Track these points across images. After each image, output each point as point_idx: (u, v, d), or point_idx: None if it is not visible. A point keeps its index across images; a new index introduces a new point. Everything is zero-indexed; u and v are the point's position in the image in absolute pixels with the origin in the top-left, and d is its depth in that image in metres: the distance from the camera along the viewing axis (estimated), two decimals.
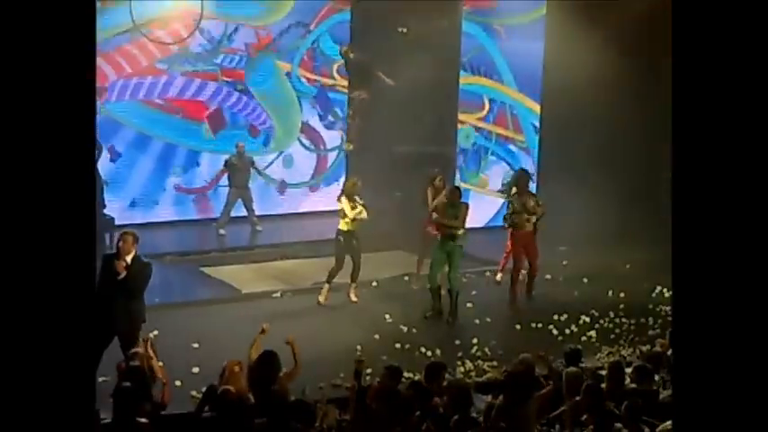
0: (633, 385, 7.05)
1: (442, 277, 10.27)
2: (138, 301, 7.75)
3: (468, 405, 6.39)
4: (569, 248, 11.80)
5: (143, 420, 5.68)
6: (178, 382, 7.72)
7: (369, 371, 7.72)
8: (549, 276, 11.21)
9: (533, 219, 10.68)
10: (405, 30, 13.83)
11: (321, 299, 10.56)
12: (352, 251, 10.54)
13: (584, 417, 6.34)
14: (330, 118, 14.94)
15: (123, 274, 7.54)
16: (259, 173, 13.67)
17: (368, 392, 6.76)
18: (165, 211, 13.77)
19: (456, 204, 10.26)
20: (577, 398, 6.45)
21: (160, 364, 6.83)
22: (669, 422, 5.75)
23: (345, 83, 14.80)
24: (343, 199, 10.50)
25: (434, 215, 10.52)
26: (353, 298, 10.71)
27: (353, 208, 10.37)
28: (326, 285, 10.57)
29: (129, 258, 7.60)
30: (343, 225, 10.50)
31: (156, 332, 7.06)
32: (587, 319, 10.32)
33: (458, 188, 10.76)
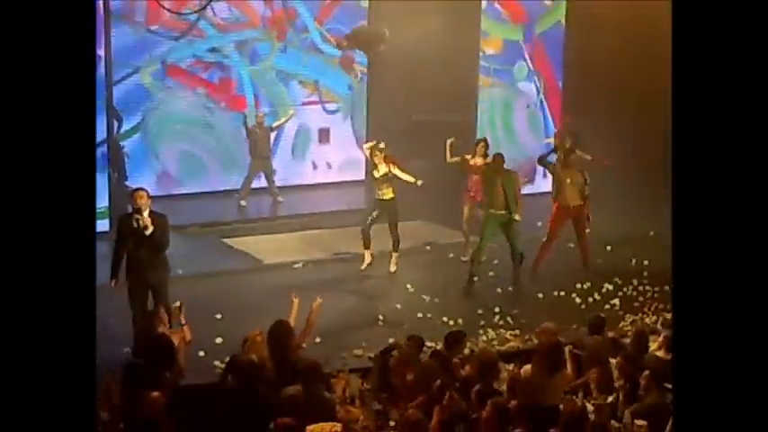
0: (659, 353, 7.01)
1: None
2: (164, 252, 7.99)
3: (493, 375, 6.37)
4: (592, 216, 11.70)
5: (155, 394, 5.63)
6: (201, 353, 7.76)
7: (391, 340, 7.72)
8: (571, 245, 11.13)
9: (580, 194, 10.58)
10: None
11: (364, 266, 10.58)
12: (387, 219, 10.52)
13: (620, 383, 6.35)
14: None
15: (152, 229, 7.74)
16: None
17: (390, 362, 6.77)
18: (185, 183, 13.80)
19: (501, 172, 10.14)
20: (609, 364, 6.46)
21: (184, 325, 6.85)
22: None
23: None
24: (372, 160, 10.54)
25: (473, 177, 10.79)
26: (392, 267, 10.69)
27: (379, 170, 10.36)
28: (366, 251, 10.59)
29: (146, 214, 7.80)
30: (376, 194, 10.55)
31: (178, 303, 7.09)
32: (610, 288, 10.26)
33: (500, 155, 10.34)
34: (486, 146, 11.23)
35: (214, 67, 13.88)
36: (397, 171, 10.41)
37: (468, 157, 11.11)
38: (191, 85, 13.75)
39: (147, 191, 8.02)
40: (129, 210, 11.58)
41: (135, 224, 7.76)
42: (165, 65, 13.49)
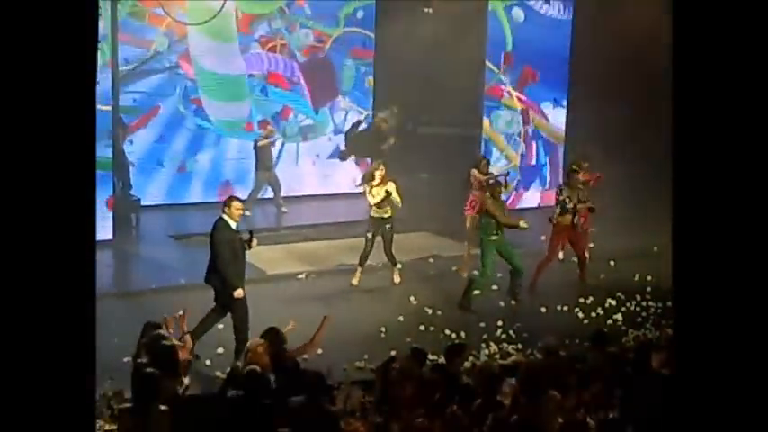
0: (662, 369, 6.99)
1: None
2: None
3: (495, 388, 6.36)
4: (596, 230, 11.70)
5: (162, 408, 5.61)
6: (208, 362, 7.75)
7: (393, 353, 7.70)
8: (574, 259, 11.13)
9: (571, 213, 10.60)
10: (430, 10, 13.73)
11: (354, 281, 10.57)
12: (382, 235, 10.50)
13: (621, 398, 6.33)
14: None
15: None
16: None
17: (392, 375, 6.76)
18: (191, 193, 13.82)
19: (498, 198, 10.16)
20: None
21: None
22: None
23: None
24: (365, 186, 10.48)
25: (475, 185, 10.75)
26: (396, 279, 10.70)
27: (374, 195, 10.33)
28: (359, 268, 10.58)
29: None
30: (372, 212, 10.48)
31: (181, 312, 7.10)
32: (613, 303, 10.25)
33: (499, 183, 10.49)
34: (487, 163, 11.50)
35: None
36: (392, 189, 10.32)
37: (474, 171, 11.18)
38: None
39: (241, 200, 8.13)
40: (134, 219, 11.85)
41: (247, 238, 8.00)
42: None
